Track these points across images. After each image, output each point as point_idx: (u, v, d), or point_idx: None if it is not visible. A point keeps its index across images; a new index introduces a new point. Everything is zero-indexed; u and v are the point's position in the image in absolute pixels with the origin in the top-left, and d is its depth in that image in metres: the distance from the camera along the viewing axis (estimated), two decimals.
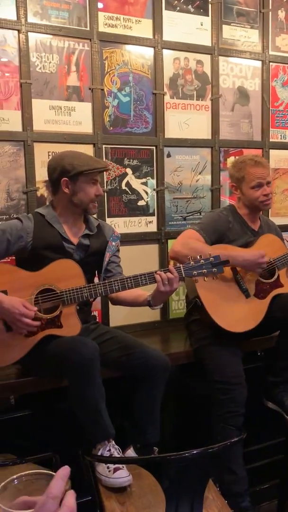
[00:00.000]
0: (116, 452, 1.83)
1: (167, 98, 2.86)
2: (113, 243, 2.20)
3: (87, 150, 2.52)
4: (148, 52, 2.78)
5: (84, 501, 1.79)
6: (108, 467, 1.77)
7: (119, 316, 2.72)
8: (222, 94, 3.02)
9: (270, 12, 3.15)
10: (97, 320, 2.39)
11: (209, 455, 1.33)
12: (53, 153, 2.46)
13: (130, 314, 2.72)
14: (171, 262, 2.71)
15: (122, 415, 2.07)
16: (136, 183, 2.80)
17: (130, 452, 1.98)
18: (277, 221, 2.93)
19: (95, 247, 2.14)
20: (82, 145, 2.57)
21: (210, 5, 2.95)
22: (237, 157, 2.81)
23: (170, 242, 2.81)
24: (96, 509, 1.69)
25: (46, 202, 2.45)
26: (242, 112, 3.11)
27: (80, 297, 1.95)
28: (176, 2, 2.84)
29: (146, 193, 2.83)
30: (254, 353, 2.57)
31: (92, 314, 2.33)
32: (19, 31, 2.42)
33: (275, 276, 2.40)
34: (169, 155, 2.88)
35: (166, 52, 2.83)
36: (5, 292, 1.91)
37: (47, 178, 2.19)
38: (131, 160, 2.77)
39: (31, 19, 2.45)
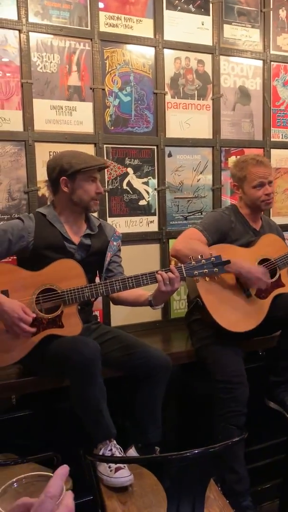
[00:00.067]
0: (117, 451, 1.83)
1: (168, 97, 2.86)
2: (115, 243, 2.20)
3: (88, 150, 2.52)
4: (149, 51, 2.78)
5: (86, 501, 1.79)
6: (109, 467, 1.77)
7: (120, 316, 2.72)
8: (223, 93, 3.02)
9: (271, 12, 3.15)
10: (98, 320, 2.39)
11: (211, 455, 1.33)
12: (54, 153, 2.46)
13: (131, 314, 2.72)
14: (172, 262, 2.71)
15: (123, 414, 2.07)
16: (137, 183, 2.80)
17: (132, 452, 1.97)
18: (278, 220, 2.94)
19: (96, 247, 2.14)
20: (83, 145, 2.57)
21: (211, 5, 2.95)
22: (238, 157, 2.80)
23: (171, 241, 2.81)
24: (98, 508, 1.69)
25: (47, 202, 2.45)
26: (243, 112, 3.11)
27: (81, 297, 1.95)
28: (177, 1, 2.84)
29: (147, 192, 2.83)
30: (256, 352, 2.57)
31: (93, 314, 2.33)
32: (20, 31, 2.42)
33: (277, 276, 2.40)
34: (170, 155, 2.88)
35: (167, 51, 2.83)
36: (6, 291, 1.91)
37: (47, 178, 2.19)
38: (132, 159, 2.77)
39: (32, 19, 2.45)
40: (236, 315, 2.27)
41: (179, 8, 2.85)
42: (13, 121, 2.45)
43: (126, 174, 2.76)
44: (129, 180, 2.77)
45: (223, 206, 2.91)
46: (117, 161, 2.73)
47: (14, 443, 1.96)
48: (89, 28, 2.60)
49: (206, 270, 1.98)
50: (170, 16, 2.82)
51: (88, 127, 2.64)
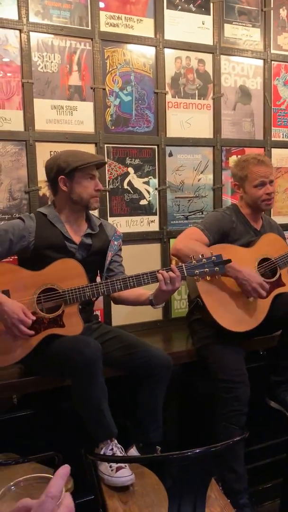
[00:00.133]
0: (118, 451, 1.84)
1: (168, 97, 2.86)
2: (115, 242, 2.20)
3: (89, 149, 2.52)
4: (150, 51, 2.78)
5: (87, 500, 1.79)
6: (110, 466, 1.77)
7: (121, 315, 2.73)
8: (223, 93, 3.02)
9: (272, 11, 3.15)
10: (99, 319, 2.39)
11: (212, 454, 1.33)
12: (55, 153, 2.46)
13: (132, 313, 2.73)
14: (173, 261, 2.71)
15: (124, 414, 2.07)
16: (138, 182, 2.80)
17: (133, 451, 1.98)
18: (279, 220, 2.94)
19: (97, 246, 2.14)
20: (84, 145, 2.58)
21: (211, 4, 2.94)
22: (239, 156, 2.80)
23: (172, 241, 2.81)
24: (99, 508, 1.69)
25: (48, 202, 2.45)
26: (244, 111, 3.11)
27: (82, 296, 1.95)
28: (177, 1, 2.84)
29: (148, 192, 2.83)
30: (256, 352, 2.57)
31: (94, 313, 2.33)
32: (20, 30, 2.42)
33: (277, 275, 2.40)
34: (171, 154, 2.88)
35: (167, 51, 2.83)
36: (7, 291, 1.92)
37: (46, 179, 2.19)
38: (133, 159, 2.77)
39: (32, 18, 2.45)
40: (236, 315, 2.27)
41: (179, 7, 2.85)
42: (14, 121, 2.45)
43: (127, 173, 2.76)
44: (129, 180, 2.77)
45: (224, 206, 2.92)
46: (118, 161, 2.73)
47: (15, 442, 1.96)
48: (89, 28, 2.60)
49: (207, 269, 1.98)
50: (170, 16, 2.82)
51: (88, 127, 2.64)
